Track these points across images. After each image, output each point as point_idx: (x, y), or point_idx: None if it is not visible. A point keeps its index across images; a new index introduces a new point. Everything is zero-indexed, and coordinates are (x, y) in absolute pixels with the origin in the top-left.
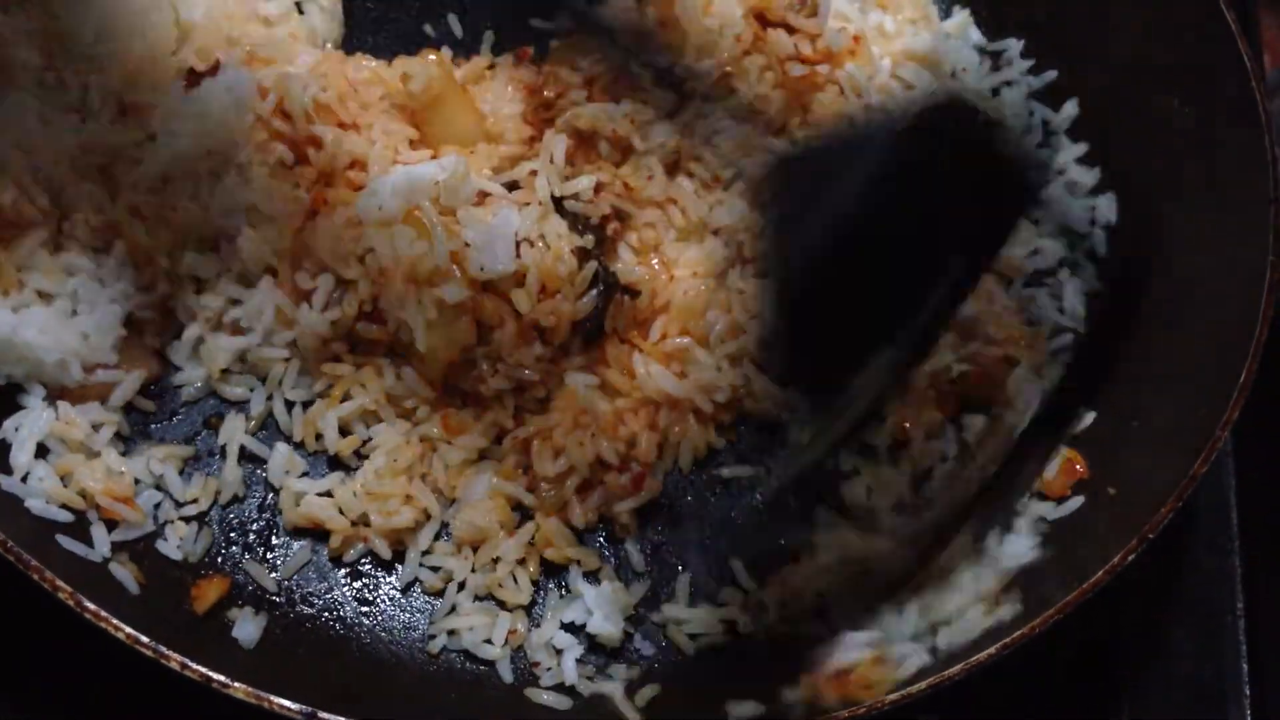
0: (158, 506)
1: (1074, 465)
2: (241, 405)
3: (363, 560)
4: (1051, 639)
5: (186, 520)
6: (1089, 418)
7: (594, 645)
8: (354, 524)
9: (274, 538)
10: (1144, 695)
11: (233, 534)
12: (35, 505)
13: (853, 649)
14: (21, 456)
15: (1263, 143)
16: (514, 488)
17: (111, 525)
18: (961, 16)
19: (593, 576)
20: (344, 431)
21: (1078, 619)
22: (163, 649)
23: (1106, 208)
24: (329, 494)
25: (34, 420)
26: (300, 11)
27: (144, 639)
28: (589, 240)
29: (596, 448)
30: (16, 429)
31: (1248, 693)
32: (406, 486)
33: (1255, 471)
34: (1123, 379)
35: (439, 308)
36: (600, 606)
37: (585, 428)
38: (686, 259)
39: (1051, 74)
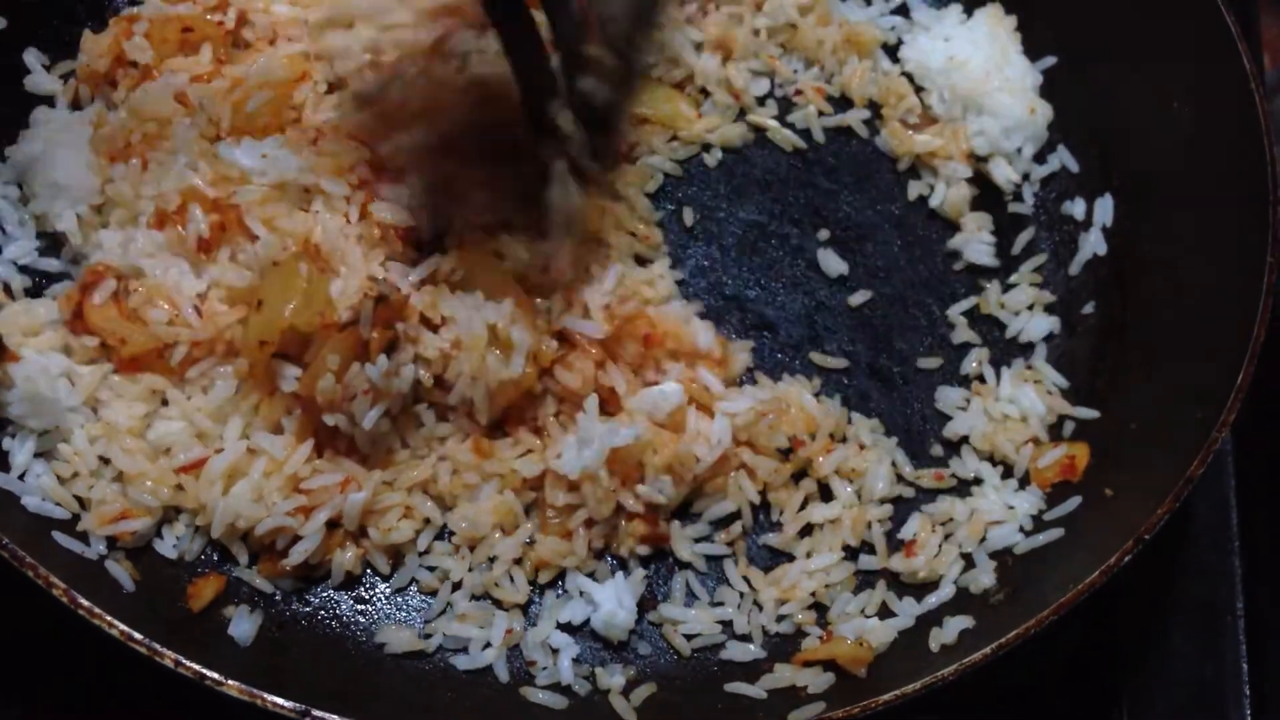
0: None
1: (1072, 463)
2: None
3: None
4: (1052, 638)
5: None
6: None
7: (591, 644)
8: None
9: None
10: (1144, 695)
11: None
12: (31, 502)
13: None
14: (20, 455)
15: (1262, 143)
16: (516, 503)
17: None
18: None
19: (591, 576)
20: None
21: (1078, 619)
22: (156, 646)
23: (1104, 209)
24: None
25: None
26: None
27: (137, 636)
28: None
29: (616, 499)
30: (13, 435)
31: (1247, 693)
32: (406, 499)
33: (1255, 471)
34: (1121, 380)
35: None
36: (611, 598)
37: (614, 474)
38: None
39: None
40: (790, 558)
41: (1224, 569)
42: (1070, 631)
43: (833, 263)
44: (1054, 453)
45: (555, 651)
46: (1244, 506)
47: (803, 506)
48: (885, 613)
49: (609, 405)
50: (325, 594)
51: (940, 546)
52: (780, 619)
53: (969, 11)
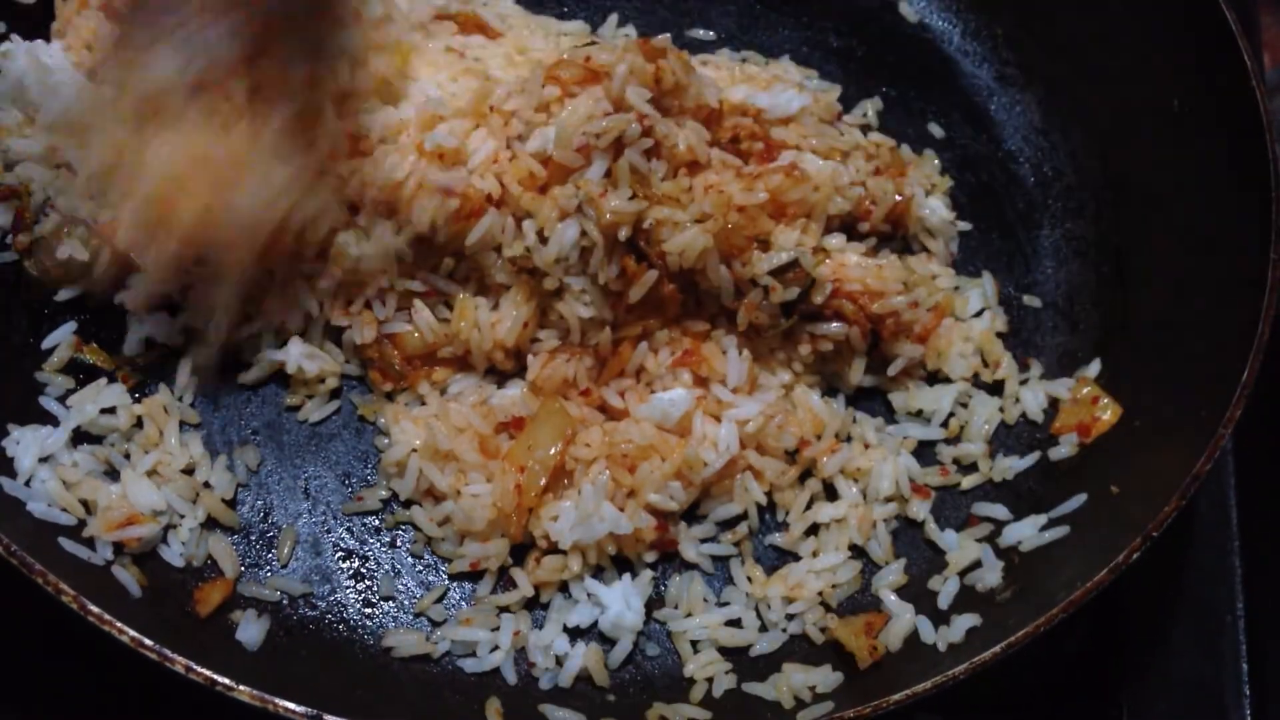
0: (159, 514)
1: (1092, 421)
2: None
3: (365, 563)
4: (1053, 637)
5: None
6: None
7: (599, 645)
8: None
9: (277, 540)
10: (1144, 694)
11: (235, 538)
12: (37, 509)
13: None
14: (25, 460)
15: (1263, 142)
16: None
17: None
18: None
19: (598, 577)
20: None
21: (1079, 618)
22: (167, 652)
23: (1104, 209)
24: None
25: (39, 437)
26: None
27: (148, 642)
28: None
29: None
30: (18, 443)
31: (1247, 693)
32: None
33: (1255, 471)
34: (1125, 378)
35: None
36: (618, 599)
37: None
38: None
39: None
40: (796, 557)
41: (1224, 569)
42: (1071, 631)
43: None
44: (1088, 394)
45: (561, 656)
46: (1244, 506)
47: (808, 506)
48: None
49: (613, 412)
50: (333, 598)
51: None
52: (788, 618)
53: None
